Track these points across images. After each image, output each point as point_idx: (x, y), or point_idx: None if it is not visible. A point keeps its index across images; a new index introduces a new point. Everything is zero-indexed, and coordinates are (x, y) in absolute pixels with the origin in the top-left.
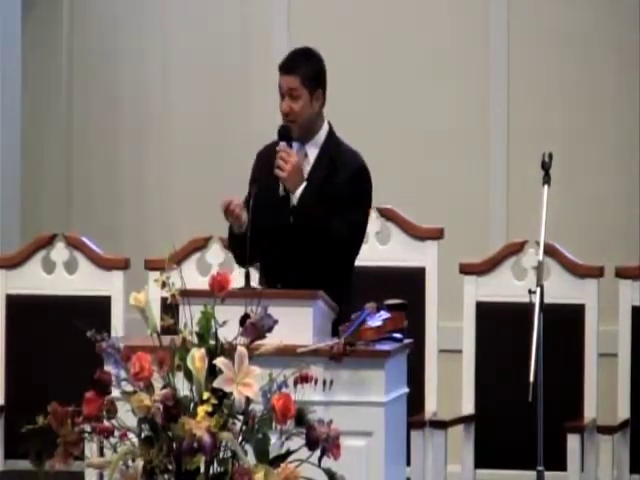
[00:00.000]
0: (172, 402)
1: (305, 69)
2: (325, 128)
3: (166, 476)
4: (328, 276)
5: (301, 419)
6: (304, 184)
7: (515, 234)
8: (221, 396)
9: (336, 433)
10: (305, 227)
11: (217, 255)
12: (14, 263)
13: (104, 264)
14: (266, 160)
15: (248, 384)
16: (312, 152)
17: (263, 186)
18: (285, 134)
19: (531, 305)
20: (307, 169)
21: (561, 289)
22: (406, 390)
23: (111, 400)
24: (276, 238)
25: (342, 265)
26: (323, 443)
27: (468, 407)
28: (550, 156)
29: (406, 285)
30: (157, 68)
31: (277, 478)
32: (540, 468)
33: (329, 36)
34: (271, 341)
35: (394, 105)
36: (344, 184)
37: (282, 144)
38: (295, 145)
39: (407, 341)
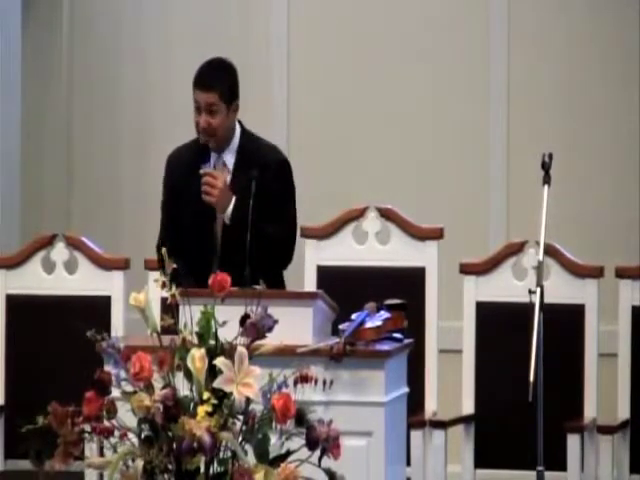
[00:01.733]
0: (172, 402)
1: (222, 84)
2: (238, 130)
3: (166, 476)
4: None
5: (301, 419)
6: (233, 201)
7: (515, 234)
8: (221, 396)
9: (336, 433)
10: (240, 240)
11: None
12: (14, 263)
13: (104, 264)
14: (179, 163)
15: (248, 384)
16: (229, 158)
17: (182, 188)
18: (205, 154)
19: (531, 305)
20: (228, 177)
21: (561, 289)
22: (406, 390)
23: (111, 400)
24: (204, 241)
25: (284, 264)
26: (323, 443)
27: (468, 407)
28: (550, 156)
29: (406, 285)
30: (157, 68)
31: (277, 478)
32: (540, 468)
33: (329, 36)
34: (271, 341)
35: (394, 105)
36: (271, 182)
37: (206, 167)
38: (212, 157)
39: (407, 341)
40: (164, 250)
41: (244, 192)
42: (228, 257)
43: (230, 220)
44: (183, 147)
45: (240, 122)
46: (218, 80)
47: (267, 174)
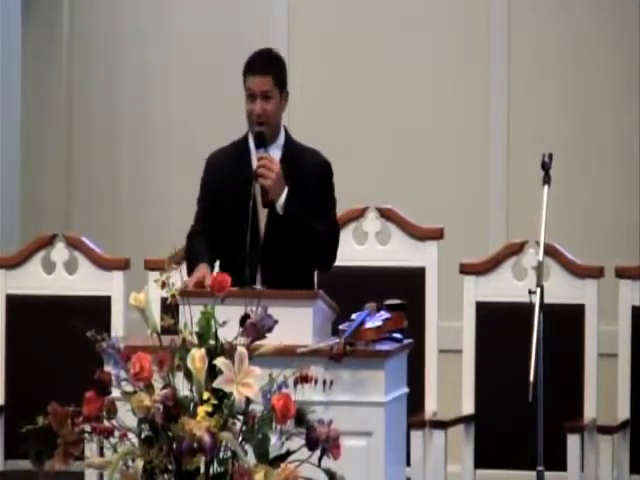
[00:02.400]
0: (172, 402)
1: (276, 70)
2: (283, 128)
3: (166, 476)
4: (303, 275)
5: (301, 419)
6: (286, 191)
7: (515, 234)
8: (221, 396)
9: (336, 433)
10: (290, 235)
11: None
12: (14, 263)
13: (104, 264)
14: (219, 164)
15: (248, 384)
16: (276, 153)
17: (225, 190)
18: (261, 141)
19: (531, 305)
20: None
21: (561, 289)
22: (406, 390)
23: (111, 400)
24: (242, 242)
25: (329, 265)
26: (323, 443)
27: (468, 407)
28: (550, 156)
29: (406, 285)
30: (157, 68)
31: (277, 478)
32: (540, 468)
33: (329, 37)
34: (271, 341)
35: (394, 105)
36: (314, 184)
37: (260, 151)
38: (254, 156)
39: (407, 341)
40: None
41: (290, 187)
42: (270, 254)
43: (283, 210)
44: (224, 149)
45: (284, 126)
46: (271, 66)
47: (311, 175)
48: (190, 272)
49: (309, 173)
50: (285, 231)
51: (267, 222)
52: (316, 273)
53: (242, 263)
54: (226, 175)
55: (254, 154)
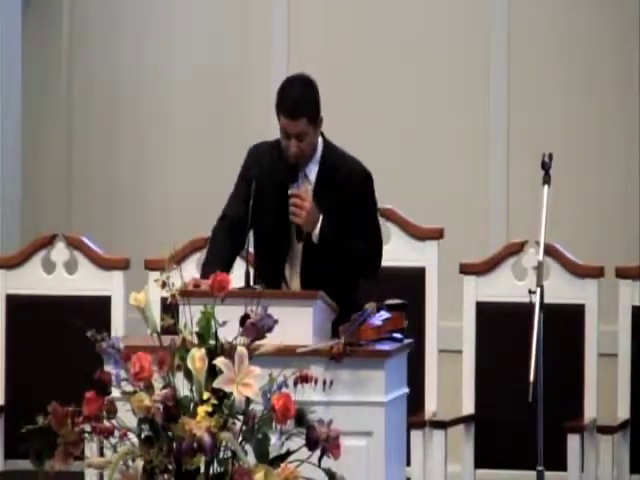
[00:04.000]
0: (172, 402)
1: (310, 110)
2: (320, 142)
3: (166, 476)
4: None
5: (301, 419)
6: (320, 220)
7: (515, 234)
8: (221, 396)
9: (336, 433)
10: (327, 259)
11: None
12: (14, 263)
13: (104, 264)
14: (261, 159)
15: (248, 384)
16: (312, 170)
17: (263, 184)
18: (295, 173)
19: (531, 305)
20: (310, 189)
21: (561, 289)
22: (406, 390)
23: (111, 400)
24: (283, 241)
25: (374, 275)
26: (323, 443)
27: (468, 407)
28: (550, 156)
29: (406, 285)
30: (157, 68)
31: (277, 478)
32: (540, 468)
33: (328, 37)
34: (271, 341)
35: (394, 105)
36: (354, 194)
37: (293, 187)
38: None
39: (407, 341)
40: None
41: (327, 204)
42: (311, 255)
43: (318, 240)
44: (268, 143)
45: (322, 134)
46: (305, 106)
47: (350, 187)
48: (203, 275)
49: (347, 186)
50: (322, 256)
51: (304, 246)
52: None
53: (280, 265)
54: (268, 169)
55: None
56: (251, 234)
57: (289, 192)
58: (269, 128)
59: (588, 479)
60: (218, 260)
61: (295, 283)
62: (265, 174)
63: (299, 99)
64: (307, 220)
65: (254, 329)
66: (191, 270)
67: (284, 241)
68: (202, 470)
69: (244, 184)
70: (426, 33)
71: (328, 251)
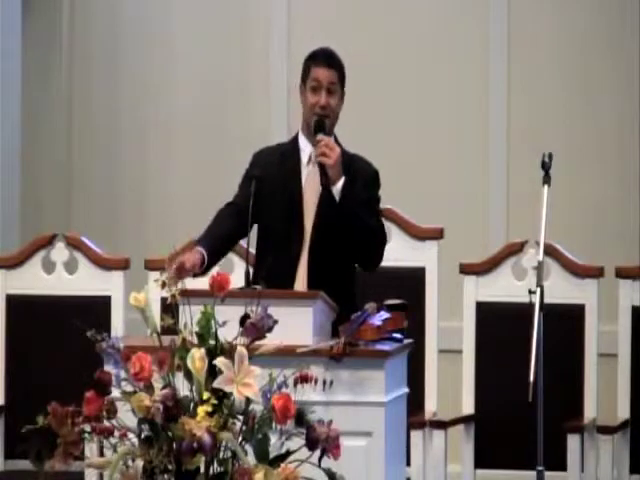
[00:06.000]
0: (172, 402)
1: (341, 67)
2: (334, 135)
3: (166, 476)
4: (341, 277)
5: (301, 419)
6: (343, 179)
7: (515, 234)
8: (221, 396)
9: (336, 433)
10: (342, 223)
11: None
12: (14, 263)
13: (104, 264)
14: (266, 161)
15: (248, 384)
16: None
17: (271, 185)
18: (322, 127)
19: (531, 305)
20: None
21: (561, 289)
22: (406, 390)
23: (111, 400)
24: (288, 240)
25: (377, 263)
26: (323, 443)
27: (468, 407)
28: (550, 156)
29: (406, 285)
30: (158, 68)
31: (277, 478)
32: (540, 468)
33: (328, 37)
34: (271, 341)
35: (394, 105)
36: (361, 189)
37: (321, 134)
38: (303, 156)
39: (407, 341)
40: None
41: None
42: (317, 251)
43: (340, 197)
44: (272, 147)
45: (335, 135)
46: (338, 61)
47: (361, 182)
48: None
49: (359, 179)
50: (337, 220)
51: (317, 212)
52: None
53: (288, 259)
54: (273, 169)
55: (304, 152)
56: (251, 234)
57: (318, 137)
58: (270, 130)
59: (588, 479)
60: (211, 235)
61: (301, 284)
62: (271, 174)
63: (332, 53)
64: (336, 161)
65: (254, 329)
66: None
67: (295, 240)
68: (202, 470)
69: (249, 182)
70: (426, 33)
71: (345, 215)
